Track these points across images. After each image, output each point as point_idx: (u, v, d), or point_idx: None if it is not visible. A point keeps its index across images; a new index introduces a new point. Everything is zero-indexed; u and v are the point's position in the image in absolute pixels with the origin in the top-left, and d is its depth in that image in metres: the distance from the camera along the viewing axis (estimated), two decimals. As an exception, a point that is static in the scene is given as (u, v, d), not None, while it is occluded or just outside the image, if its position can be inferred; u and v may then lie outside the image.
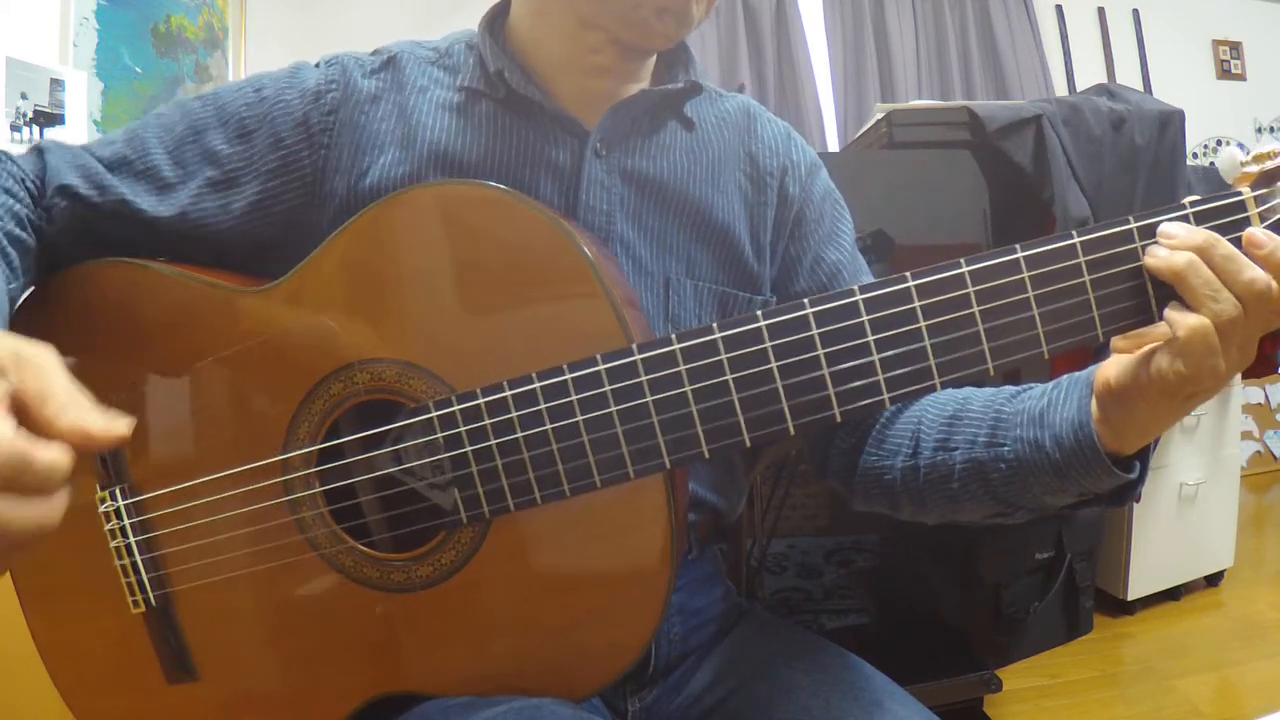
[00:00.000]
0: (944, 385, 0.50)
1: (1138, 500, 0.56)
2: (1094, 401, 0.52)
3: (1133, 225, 0.48)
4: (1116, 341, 0.51)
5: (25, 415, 0.43)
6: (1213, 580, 2.14)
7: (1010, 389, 0.61)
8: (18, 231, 0.59)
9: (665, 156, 0.69)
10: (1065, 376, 0.56)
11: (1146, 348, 0.49)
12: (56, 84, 1.76)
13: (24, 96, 1.68)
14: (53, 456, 0.41)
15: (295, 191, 0.65)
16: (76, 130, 1.81)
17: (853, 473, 0.70)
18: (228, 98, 0.66)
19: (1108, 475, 0.52)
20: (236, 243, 0.66)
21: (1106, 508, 0.56)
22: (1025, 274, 0.49)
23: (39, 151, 0.64)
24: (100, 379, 0.60)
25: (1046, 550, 1.83)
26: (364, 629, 0.59)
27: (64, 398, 0.44)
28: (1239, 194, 0.48)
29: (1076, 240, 0.48)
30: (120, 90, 2.05)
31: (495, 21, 0.71)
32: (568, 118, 0.66)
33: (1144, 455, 0.54)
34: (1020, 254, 0.49)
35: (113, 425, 0.45)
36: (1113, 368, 0.51)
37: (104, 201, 0.63)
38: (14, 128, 1.65)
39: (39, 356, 0.45)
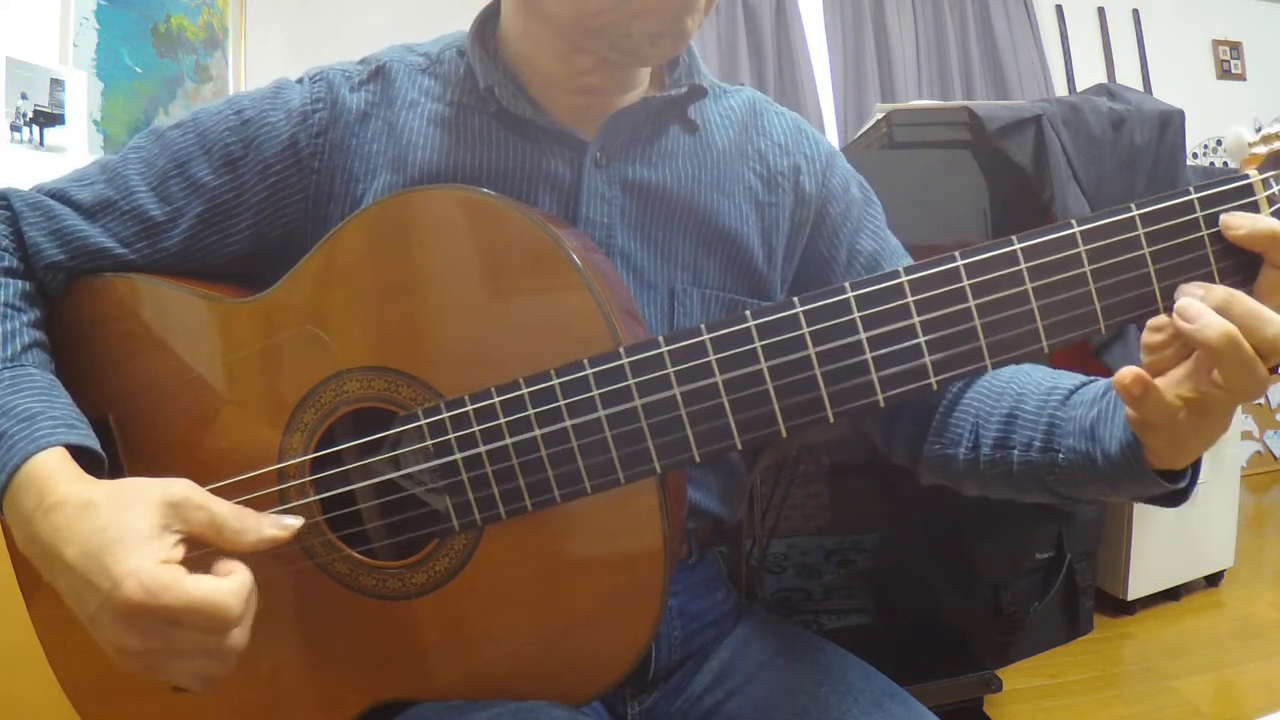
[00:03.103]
0: (940, 384, 0.49)
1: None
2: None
3: (1135, 213, 0.46)
4: (1147, 337, 0.48)
5: (206, 546, 0.51)
6: (1213, 580, 2.13)
7: (1063, 386, 0.60)
8: (20, 303, 0.60)
9: (668, 163, 0.67)
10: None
11: (1163, 379, 0.46)
12: (56, 84, 1.76)
13: (24, 96, 1.68)
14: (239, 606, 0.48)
15: (289, 216, 0.65)
16: (76, 130, 1.81)
17: (918, 458, 0.70)
18: (208, 123, 0.64)
19: (1158, 487, 0.52)
20: (235, 267, 0.66)
21: (1163, 504, 0.55)
22: (1023, 265, 0.47)
23: (4, 202, 0.63)
24: (97, 392, 0.60)
25: (1046, 550, 1.83)
26: (362, 636, 0.58)
27: (232, 520, 0.51)
28: (1245, 176, 0.46)
29: (1076, 230, 0.47)
30: (120, 90, 2.05)
31: (486, 26, 0.68)
32: (564, 131, 0.64)
33: (1195, 461, 0.52)
34: (1017, 246, 0.47)
35: (288, 524, 0.54)
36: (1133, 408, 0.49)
37: (93, 266, 0.63)
38: (14, 128, 1.65)
39: (188, 491, 0.51)
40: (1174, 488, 0.52)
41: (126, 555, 0.47)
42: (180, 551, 0.49)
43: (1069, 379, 0.61)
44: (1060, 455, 0.57)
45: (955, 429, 0.66)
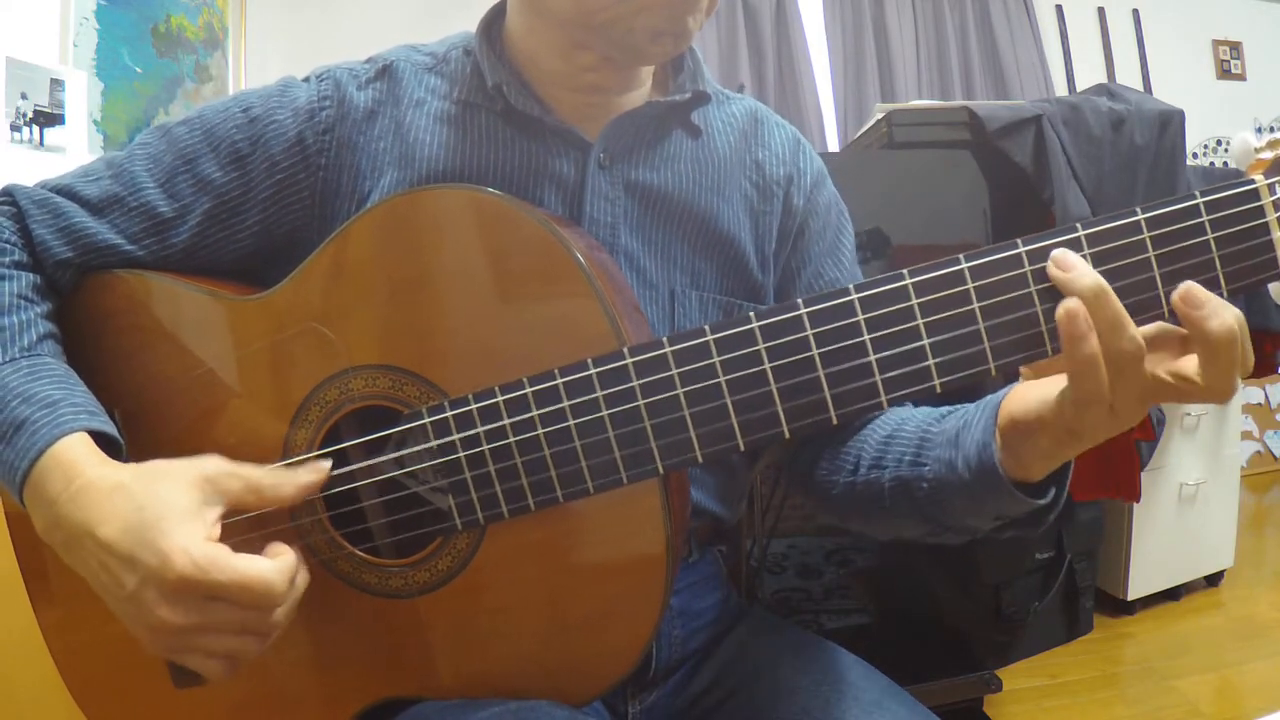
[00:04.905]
0: (944, 386, 0.48)
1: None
2: (998, 429, 0.51)
3: (1140, 217, 0.46)
4: (1025, 370, 0.50)
5: (248, 510, 0.52)
6: (1213, 580, 2.14)
7: (946, 407, 0.60)
8: (32, 295, 0.61)
9: (670, 167, 0.68)
10: (987, 397, 0.55)
11: (1055, 378, 0.48)
12: (56, 84, 1.76)
13: (24, 96, 1.68)
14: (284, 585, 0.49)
15: (296, 213, 0.65)
16: (76, 130, 1.81)
17: (809, 485, 0.70)
18: (215, 120, 0.64)
19: (1014, 501, 0.51)
20: (242, 264, 0.66)
21: (1024, 532, 0.55)
22: (1028, 268, 0.47)
23: (10, 199, 0.63)
24: (104, 386, 0.60)
25: (1046, 550, 1.83)
26: (363, 634, 0.59)
27: (267, 479, 0.53)
28: (1251, 182, 0.46)
29: (1081, 233, 0.46)
30: (120, 90, 2.05)
31: (493, 27, 0.68)
32: (569, 131, 0.65)
33: (1060, 480, 0.53)
34: (1022, 249, 0.47)
35: (320, 467, 0.55)
36: (1016, 403, 0.50)
37: (102, 262, 0.63)
38: (14, 128, 1.65)
39: (219, 463, 0.52)
40: (1034, 503, 0.51)
41: (172, 530, 0.47)
42: (219, 529, 0.50)
43: (950, 406, 0.61)
44: (926, 467, 0.57)
45: (843, 456, 0.66)
